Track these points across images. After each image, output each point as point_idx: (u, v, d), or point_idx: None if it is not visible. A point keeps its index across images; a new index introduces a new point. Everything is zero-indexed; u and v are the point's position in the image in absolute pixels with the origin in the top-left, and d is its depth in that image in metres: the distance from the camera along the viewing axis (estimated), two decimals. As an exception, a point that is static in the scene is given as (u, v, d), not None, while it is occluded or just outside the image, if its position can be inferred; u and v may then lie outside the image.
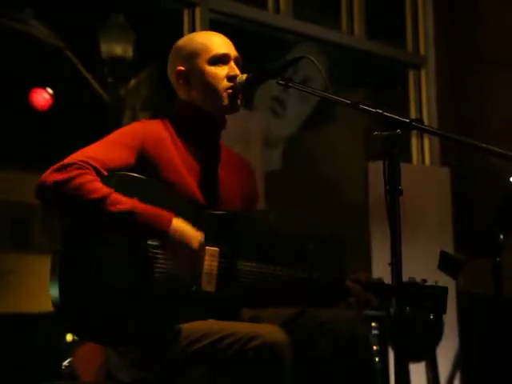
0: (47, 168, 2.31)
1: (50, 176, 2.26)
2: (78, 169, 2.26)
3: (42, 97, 6.25)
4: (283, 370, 2.21)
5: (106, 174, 2.31)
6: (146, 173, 2.40)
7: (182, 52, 2.60)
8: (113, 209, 2.23)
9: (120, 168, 2.36)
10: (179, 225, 2.29)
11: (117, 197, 2.25)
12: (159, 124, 2.53)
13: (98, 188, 2.25)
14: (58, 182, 2.23)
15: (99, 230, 2.29)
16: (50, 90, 6.27)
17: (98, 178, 2.28)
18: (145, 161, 2.42)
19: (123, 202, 2.25)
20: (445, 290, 2.50)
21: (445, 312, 2.51)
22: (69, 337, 3.65)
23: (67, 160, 2.30)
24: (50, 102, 6.28)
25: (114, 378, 2.43)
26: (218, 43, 2.58)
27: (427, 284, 2.51)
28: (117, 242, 2.31)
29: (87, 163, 2.29)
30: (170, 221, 2.28)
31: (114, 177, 2.33)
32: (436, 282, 2.53)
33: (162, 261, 2.33)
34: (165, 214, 2.29)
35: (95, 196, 2.23)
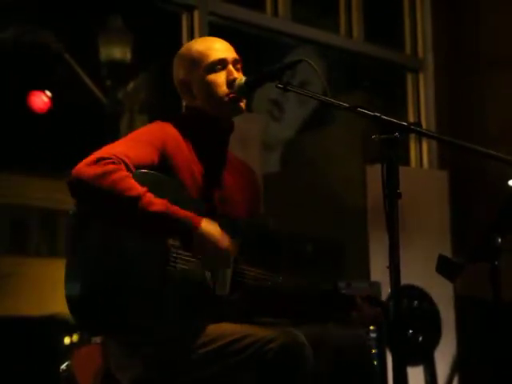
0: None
1: (86, 169, 2.25)
2: (114, 163, 2.27)
3: (41, 99, 6.26)
4: (304, 371, 2.22)
5: (134, 170, 2.32)
6: (164, 171, 2.42)
7: (181, 62, 2.60)
8: (148, 208, 2.24)
9: (146, 166, 2.38)
10: (209, 226, 2.31)
11: (151, 196, 2.27)
12: (173, 126, 2.54)
13: (134, 186, 2.26)
14: (96, 176, 2.23)
15: (130, 226, 2.30)
16: (48, 93, 6.27)
17: (131, 174, 2.29)
18: (165, 160, 2.43)
19: (157, 203, 2.26)
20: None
21: (440, 335, 2.57)
22: (67, 340, 3.65)
23: (100, 153, 2.30)
24: (49, 104, 6.28)
25: (113, 378, 2.43)
26: (215, 49, 2.57)
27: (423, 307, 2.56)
28: (136, 243, 2.32)
29: (119, 158, 2.29)
30: (200, 222, 2.29)
31: (138, 174, 2.34)
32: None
33: (182, 262, 2.35)
34: (194, 216, 2.30)
35: (131, 194, 2.23)
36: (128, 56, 6.47)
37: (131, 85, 7.13)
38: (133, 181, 2.27)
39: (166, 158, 2.43)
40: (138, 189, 2.25)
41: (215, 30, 4.65)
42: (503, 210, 2.44)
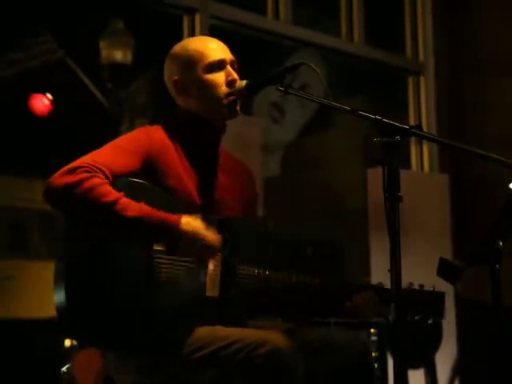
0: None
1: (59, 178, 2.24)
2: (88, 171, 2.25)
3: (42, 102, 6.26)
4: (293, 376, 2.21)
5: (111, 179, 2.30)
6: (148, 178, 2.40)
7: (177, 61, 2.58)
8: (123, 213, 2.22)
9: (125, 174, 2.36)
10: (189, 220, 2.29)
11: (127, 201, 2.25)
12: (162, 130, 2.52)
13: (109, 191, 2.24)
14: (68, 185, 2.22)
15: (108, 233, 2.29)
16: (49, 96, 6.27)
17: (107, 181, 2.27)
18: (148, 167, 2.41)
19: (133, 206, 2.24)
20: (442, 294, 2.53)
21: (442, 317, 2.55)
22: (67, 342, 3.64)
23: (75, 163, 2.29)
24: (50, 107, 6.28)
25: (113, 381, 2.43)
26: (213, 49, 2.56)
27: (425, 289, 2.54)
28: (121, 249, 2.31)
29: (95, 166, 2.28)
30: (179, 219, 2.28)
31: (116, 183, 2.32)
32: (434, 287, 2.55)
33: (167, 267, 2.33)
34: (171, 214, 2.28)
35: (106, 199, 2.22)
36: (129, 58, 6.47)
37: (132, 87, 7.13)
38: (108, 187, 2.25)
39: (149, 164, 2.41)
40: (113, 194, 2.23)
41: (216, 33, 4.64)
42: (504, 213, 2.44)
